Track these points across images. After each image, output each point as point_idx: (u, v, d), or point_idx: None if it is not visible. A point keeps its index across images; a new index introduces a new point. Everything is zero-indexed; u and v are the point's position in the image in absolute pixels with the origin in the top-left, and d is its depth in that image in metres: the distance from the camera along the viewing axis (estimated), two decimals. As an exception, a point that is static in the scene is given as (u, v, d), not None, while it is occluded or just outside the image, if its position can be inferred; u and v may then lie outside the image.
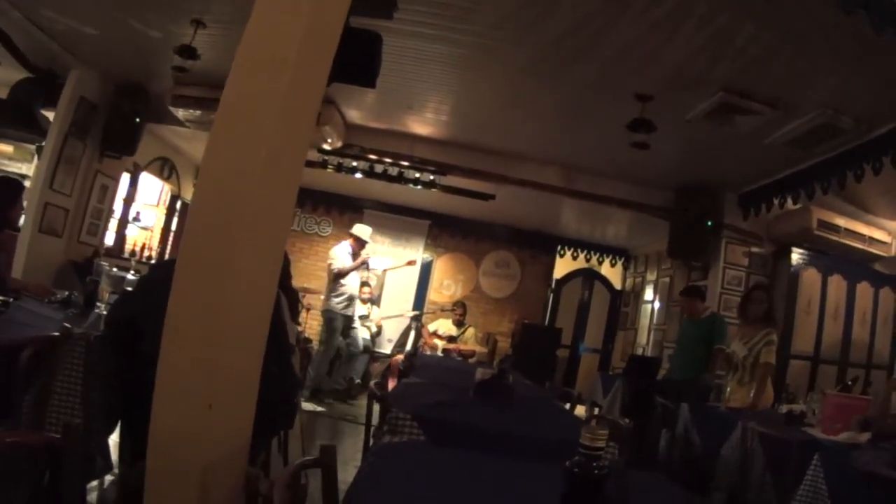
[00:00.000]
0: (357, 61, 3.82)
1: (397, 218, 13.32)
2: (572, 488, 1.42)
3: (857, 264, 9.43)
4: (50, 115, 8.81)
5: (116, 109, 9.10)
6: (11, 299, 4.37)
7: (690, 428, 5.42)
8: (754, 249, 9.33)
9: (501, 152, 9.46)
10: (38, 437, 2.15)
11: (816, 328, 8.99)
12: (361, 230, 9.96)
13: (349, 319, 9.92)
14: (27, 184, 8.88)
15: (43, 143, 8.84)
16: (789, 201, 7.97)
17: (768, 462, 4.39)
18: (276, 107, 2.60)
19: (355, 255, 9.82)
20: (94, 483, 3.89)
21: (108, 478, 3.90)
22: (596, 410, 7.66)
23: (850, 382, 6.30)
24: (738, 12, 4.87)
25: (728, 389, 6.32)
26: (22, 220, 7.84)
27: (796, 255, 9.01)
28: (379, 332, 11.73)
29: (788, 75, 5.65)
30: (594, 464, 1.39)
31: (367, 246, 9.91)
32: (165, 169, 11.79)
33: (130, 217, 11.64)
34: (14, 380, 3.20)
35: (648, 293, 12.43)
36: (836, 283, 9.18)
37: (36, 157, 10.14)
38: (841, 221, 8.90)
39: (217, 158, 2.66)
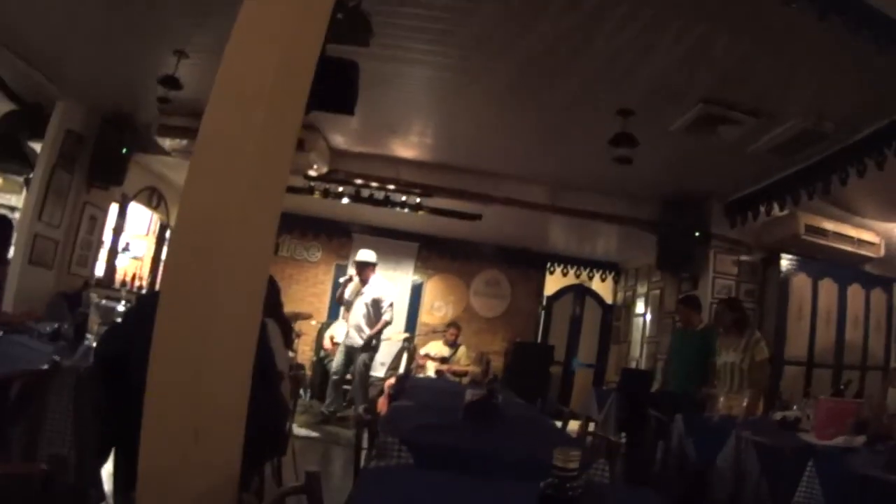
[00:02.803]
0: (335, 90, 3.85)
1: (386, 241, 13.28)
2: (547, 510, 1.43)
3: (846, 267, 9.43)
4: (37, 146, 8.83)
5: (103, 140, 9.07)
6: (1, 333, 4.38)
7: (685, 440, 5.42)
8: (743, 258, 9.32)
9: (486, 172, 9.47)
10: (29, 469, 2.16)
11: (809, 333, 8.99)
12: (357, 254, 10.08)
13: (349, 349, 9.84)
14: (16, 215, 8.88)
15: (31, 175, 8.85)
16: (776, 208, 7.98)
17: (763, 470, 4.39)
18: (254, 138, 2.62)
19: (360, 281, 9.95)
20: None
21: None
22: (591, 426, 7.66)
23: (842, 387, 6.32)
24: (715, 23, 4.88)
25: (721, 399, 6.37)
26: (11, 253, 7.84)
27: (785, 262, 9.02)
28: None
29: (768, 83, 5.67)
30: (567, 485, 1.40)
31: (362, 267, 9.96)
32: (154, 198, 11.77)
33: (120, 247, 11.62)
34: (4, 413, 3.22)
35: (640, 306, 12.45)
36: (827, 287, 9.19)
37: (24, 189, 10.14)
38: (829, 225, 8.89)
39: (196, 190, 2.67)
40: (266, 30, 2.76)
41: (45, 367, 3.51)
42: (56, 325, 5.18)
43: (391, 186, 9.79)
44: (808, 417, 5.03)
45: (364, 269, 9.93)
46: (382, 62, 6.10)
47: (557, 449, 1.44)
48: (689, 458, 5.32)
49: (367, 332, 9.77)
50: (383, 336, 10.34)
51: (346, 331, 10.01)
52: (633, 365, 11.71)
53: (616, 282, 14.34)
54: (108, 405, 3.30)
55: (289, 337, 4.52)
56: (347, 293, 10.08)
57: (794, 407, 5.52)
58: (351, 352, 9.82)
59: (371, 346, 9.86)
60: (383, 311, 9.84)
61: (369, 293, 9.89)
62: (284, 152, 2.90)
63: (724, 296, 8.76)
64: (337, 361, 9.95)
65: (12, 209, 10.96)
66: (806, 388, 8.40)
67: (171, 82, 6.84)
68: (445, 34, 5.59)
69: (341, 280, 10.25)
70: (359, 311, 9.84)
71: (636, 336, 12.32)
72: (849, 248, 9.15)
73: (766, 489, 4.33)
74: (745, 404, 6.17)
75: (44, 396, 3.55)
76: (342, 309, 10.64)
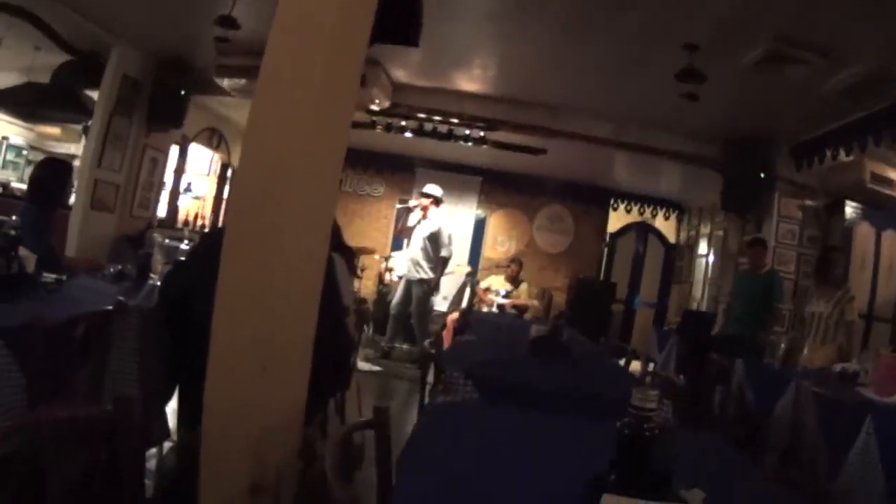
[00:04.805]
0: (398, 21, 3.79)
1: (450, 175, 13.28)
2: (622, 449, 1.39)
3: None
4: (94, 94, 8.91)
5: (160, 84, 9.19)
6: (65, 277, 4.44)
7: (745, 385, 5.37)
8: (808, 202, 9.09)
9: (550, 106, 9.33)
10: (94, 411, 2.17)
11: (870, 285, 8.81)
12: (424, 187, 10.18)
13: (407, 283, 9.92)
14: (76, 163, 8.99)
15: (89, 123, 8.95)
16: (842, 153, 7.74)
17: (821, 422, 4.32)
18: (318, 73, 2.58)
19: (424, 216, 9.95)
20: (153, 450, 3.95)
21: (167, 444, 3.96)
22: (651, 366, 7.63)
23: (902, 343, 6.20)
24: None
25: (806, 350, 6.31)
26: (73, 199, 7.96)
27: (850, 209, 8.81)
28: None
29: (840, 23, 5.50)
30: (644, 425, 1.36)
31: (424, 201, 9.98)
32: (214, 139, 11.93)
33: (182, 188, 11.78)
34: (70, 354, 3.25)
35: (703, 247, 12.34)
36: (891, 239, 8.98)
37: (83, 137, 10.26)
38: (894, 175, 8.65)
39: (260, 127, 2.65)
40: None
41: (110, 307, 3.55)
42: (119, 267, 5.24)
43: (454, 120, 9.76)
44: (866, 372, 4.92)
45: (426, 200, 9.92)
46: (444, -8, 6.01)
47: (636, 388, 1.40)
48: (747, 405, 5.27)
49: (425, 266, 9.75)
50: (447, 270, 10.33)
51: (406, 264, 10.06)
52: (693, 306, 11.63)
53: (679, 221, 14.18)
54: (173, 342, 3.33)
55: (352, 265, 4.47)
56: (411, 221, 10.06)
57: (854, 360, 5.41)
58: (409, 285, 9.87)
59: (429, 281, 9.85)
60: (442, 246, 9.80)
61: (427, 227, 9.84)
62: (349, 87, 2.86)
63: (788, 240, 8.62)
64: (396, 296, 10.05)
65: (72, 157, 11.12)
66: (864, 341, 8.24)
67: (229, 22, 6.82)
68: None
69: (399, 206, 10.23)
70: (416, 245, 9.86)
71: (698, 277, 12.24)
72: (914, 201, 8.87)
73: (823, 441, 4.26)
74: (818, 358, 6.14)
75: (109, 337, 3.59)
76: (405, 241, 10.63)
